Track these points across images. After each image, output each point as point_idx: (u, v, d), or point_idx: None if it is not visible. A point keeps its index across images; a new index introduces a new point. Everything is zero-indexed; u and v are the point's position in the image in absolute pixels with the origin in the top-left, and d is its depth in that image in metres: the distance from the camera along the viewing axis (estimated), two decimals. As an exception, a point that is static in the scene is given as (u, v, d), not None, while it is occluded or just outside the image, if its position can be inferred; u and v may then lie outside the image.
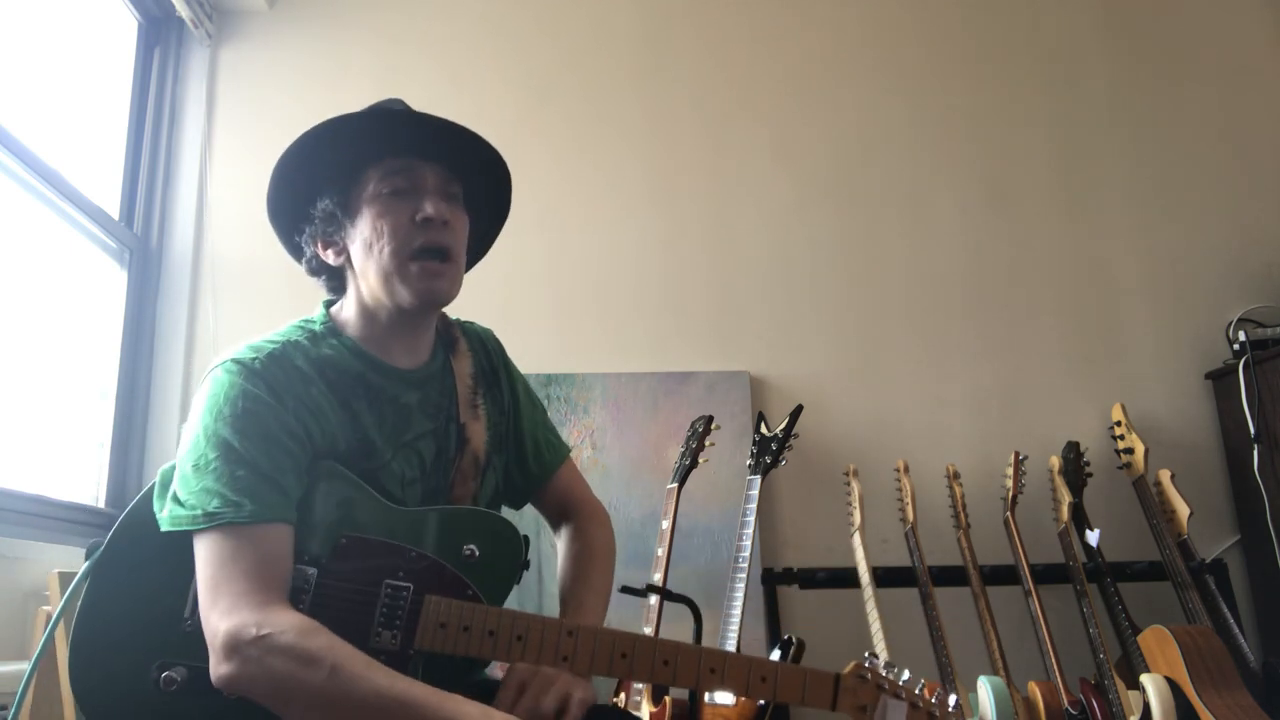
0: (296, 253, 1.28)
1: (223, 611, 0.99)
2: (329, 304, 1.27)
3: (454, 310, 1.39)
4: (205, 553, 1.03)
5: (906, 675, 1.22)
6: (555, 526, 1.44)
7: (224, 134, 2.83)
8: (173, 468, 1.11)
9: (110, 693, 1.05)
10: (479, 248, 1.37)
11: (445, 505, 1.21)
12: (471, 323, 1.41)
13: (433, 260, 1.18)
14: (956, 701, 1.24)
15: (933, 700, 1.22)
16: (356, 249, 1.20)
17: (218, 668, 0.98)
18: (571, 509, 1.42)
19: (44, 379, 2.32)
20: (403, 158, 1.20)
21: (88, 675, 1.05)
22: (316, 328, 1.21)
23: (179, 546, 1.05)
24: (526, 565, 1.19)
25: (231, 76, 2.88)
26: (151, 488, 1.13)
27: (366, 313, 1.22)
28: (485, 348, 1.38)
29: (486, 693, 1.21)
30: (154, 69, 2.83)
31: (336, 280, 1.26)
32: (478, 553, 1.13)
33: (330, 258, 1.23)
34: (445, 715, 0.97)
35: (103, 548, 1.11)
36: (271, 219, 1.26)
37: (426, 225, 1.17)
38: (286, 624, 0.99)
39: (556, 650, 1.10)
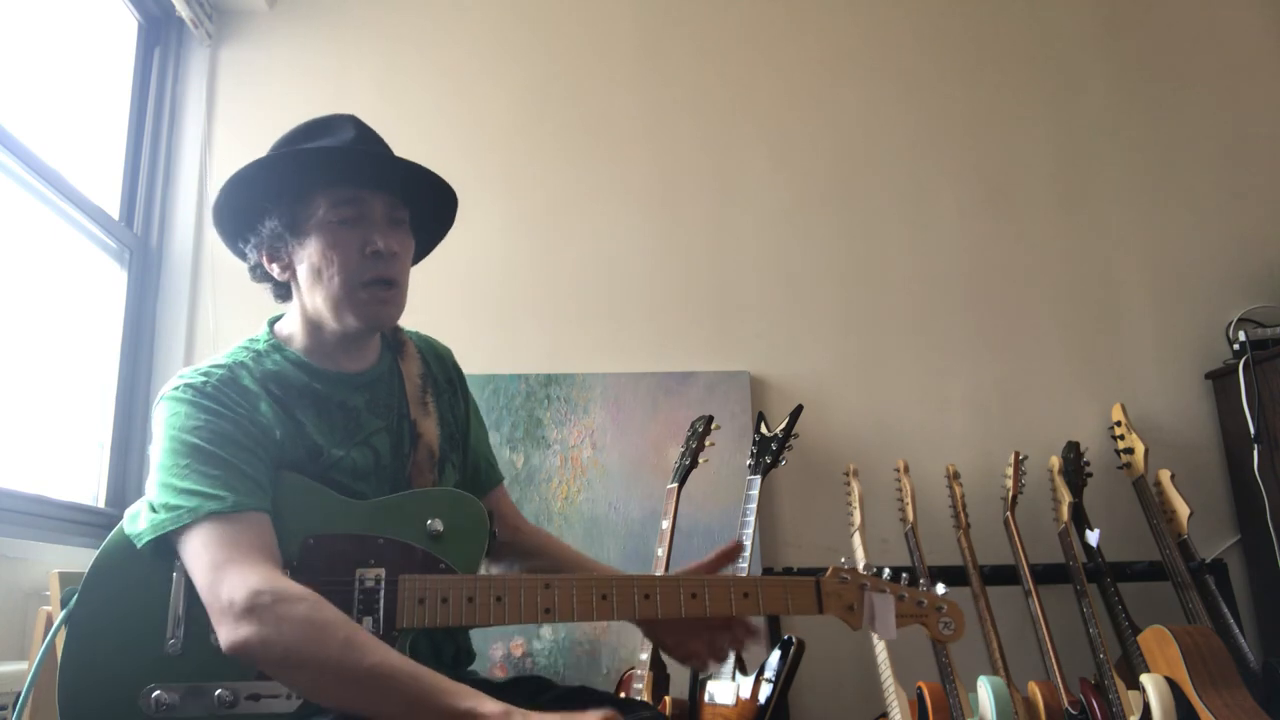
0: (241, 256, 1.31)
1: (235, 582, 1.01)
2: (273, 322, 1.31)
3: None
4: (198, 544, 1.05)
5: (887, 572, 1.25)
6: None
7: (224, 134, 2.82)
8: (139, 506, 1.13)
9: None
10: (418, 254, 1.39)
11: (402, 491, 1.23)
12: (429, 337, 1.44)
13: (381, 289, 1.22)
14: (945, 590, 1.25)
15: (918, 589, 1.24)
16: (304, 271, 1.23)
17: (235, 630, 0.99)
18: (510, 523, 1.43)
19: (44, 379, 2.31)
20: (351, 187, 1.22)
21: (79, 712, 1.05)
22: (260, 346, 1.25)
23: (153, 573, 1.08)
24: (494, 535, 1.23)
25: (231, 76, 2.88)
26: (119, 529, 1.13)
27: (311, 327, 1.26)
28: (442, 361, 1.41)
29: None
30: (154, 69, 2.83)
31: (282, 290, 1.30)
32: (442, 526, 1.16)
33: (276, 272, 1.27)
34: (458, 700, 0.98)
35: (78, 591, 1.11)
36: (216, 225, 1.29)
37: (376, 258, 1.21)
38: (301, 593, 1.02)
39: (537, 605, 1.12)
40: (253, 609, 0.99)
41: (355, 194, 1.22)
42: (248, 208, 1.26)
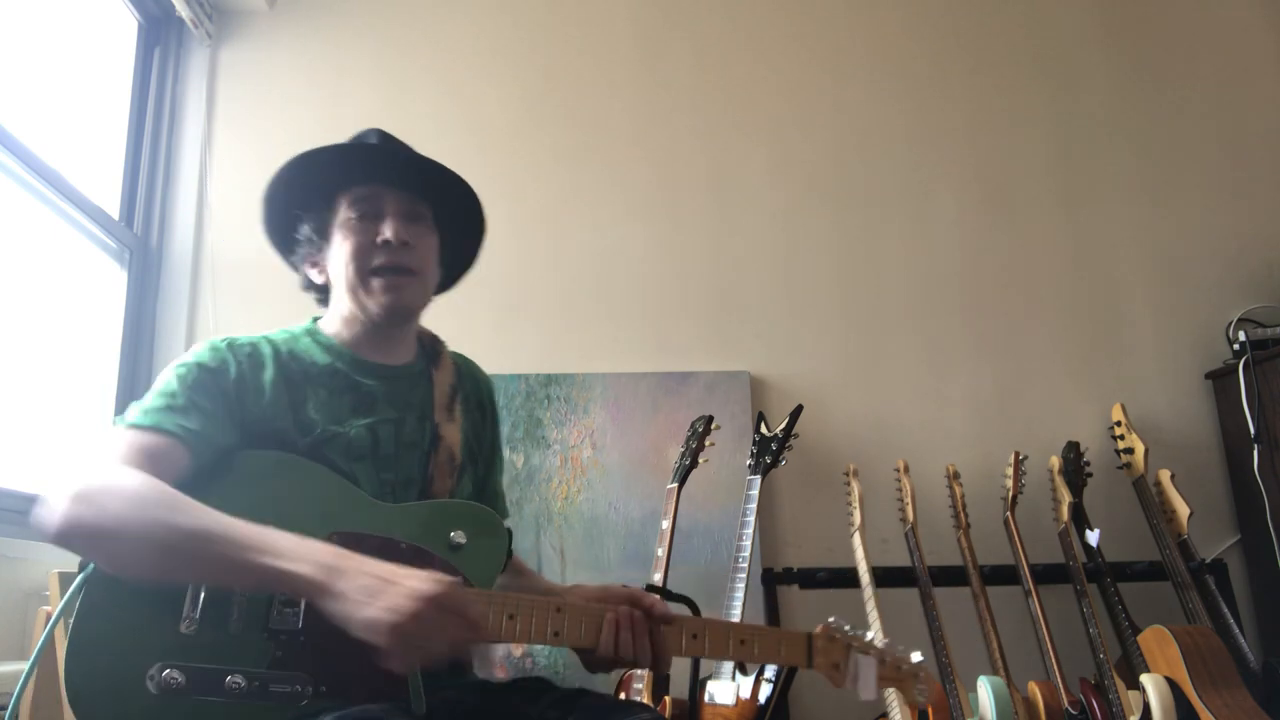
0: (296, 270, 1.40)
1: (89, 471, 1.04)
2: (317, 318, 1.37)
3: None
4: (100, 447, 1.10)
5: (870, 635, 1.32)
6: None
7: (224, 134, 2.82)
8: None
9: (105, 696, 1.03)
10: (463, 261, 1.46)
11: (428, 499, 1.25)
12: (474, 362, 1.48)
13: (392, 276, 1.27)
14: (920, 659, 1.32)
15: (897, 655, 1.31)
16: (332, 268, 1.31)
17: (59, 506, 1.00)
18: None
19: (44, 379, 2.31)
20: (368, 185, 1.29)
21: (83, 680, 1.04)
22: (298, 330, 1.33)
23: None
24: (510, 554, 1.26)
25: (231, 76, 2.88)
26: None
27: (346, 322, 1.32)
28: (477, 384, 1.45)
29: (483, 693, 1.21)
30: (154, 69, 2.83)
31: (323, 295, 1.37)
32: (464, 539, 1.19)
33: (315, 276, 1.35)
34: (279, 561, 0.98)
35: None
36: (270, 244, 1.38)
37: (386, 247, 1.27)
38: (140, 475, 1.03)
39: (547, 627, 1.13)
40: (85, 489, 1.01)
41: (372, 190, 1.29)
42: (285, 222, 1.34)
